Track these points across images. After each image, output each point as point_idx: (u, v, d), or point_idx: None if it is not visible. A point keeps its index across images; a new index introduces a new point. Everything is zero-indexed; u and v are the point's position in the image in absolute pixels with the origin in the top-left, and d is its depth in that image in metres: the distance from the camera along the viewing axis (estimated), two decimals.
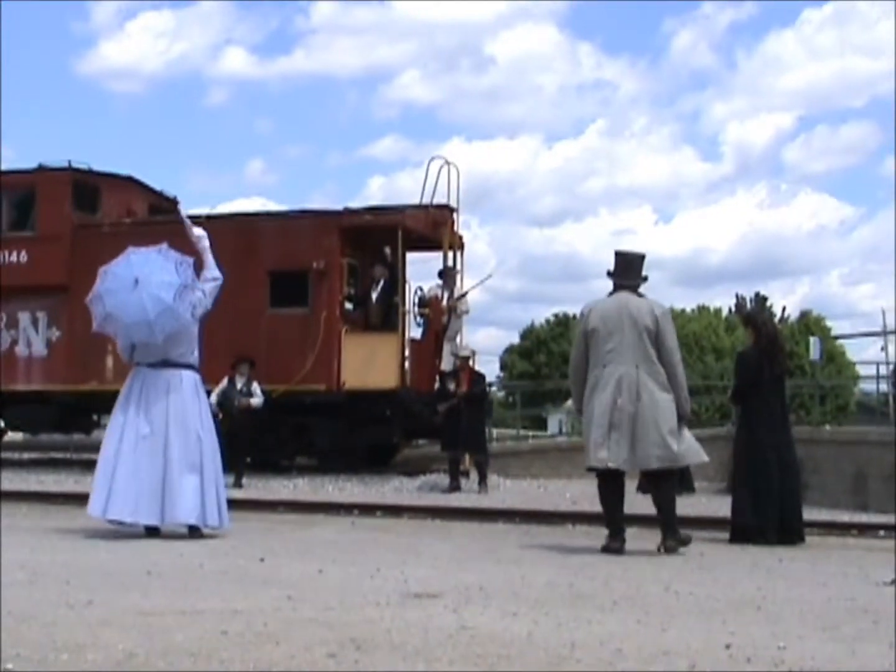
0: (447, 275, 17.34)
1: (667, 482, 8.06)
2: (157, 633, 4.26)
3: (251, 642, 4.13)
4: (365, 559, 6.92)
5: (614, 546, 7.81)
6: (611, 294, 8.12)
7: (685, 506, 8.68)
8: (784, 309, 76.25)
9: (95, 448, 22.26)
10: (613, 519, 7.96)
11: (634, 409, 7.72)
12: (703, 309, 73.22)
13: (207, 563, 6.50)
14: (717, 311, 75.45)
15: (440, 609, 4.96)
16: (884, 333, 29.40)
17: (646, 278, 8.25)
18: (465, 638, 4.28)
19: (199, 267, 8.65)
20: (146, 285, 8.25)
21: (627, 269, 8.16)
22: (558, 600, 5.32)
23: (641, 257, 8.34)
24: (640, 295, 8.12)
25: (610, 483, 7.96)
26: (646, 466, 7.93)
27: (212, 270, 8.68)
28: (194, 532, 8.29)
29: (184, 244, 9.14)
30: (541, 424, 58.23)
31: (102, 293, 8.49)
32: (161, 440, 8.26)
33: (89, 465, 18.20)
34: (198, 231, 8.84)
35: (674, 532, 7.91)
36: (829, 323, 70.89)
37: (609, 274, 8.21)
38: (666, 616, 4.90)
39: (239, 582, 5.78)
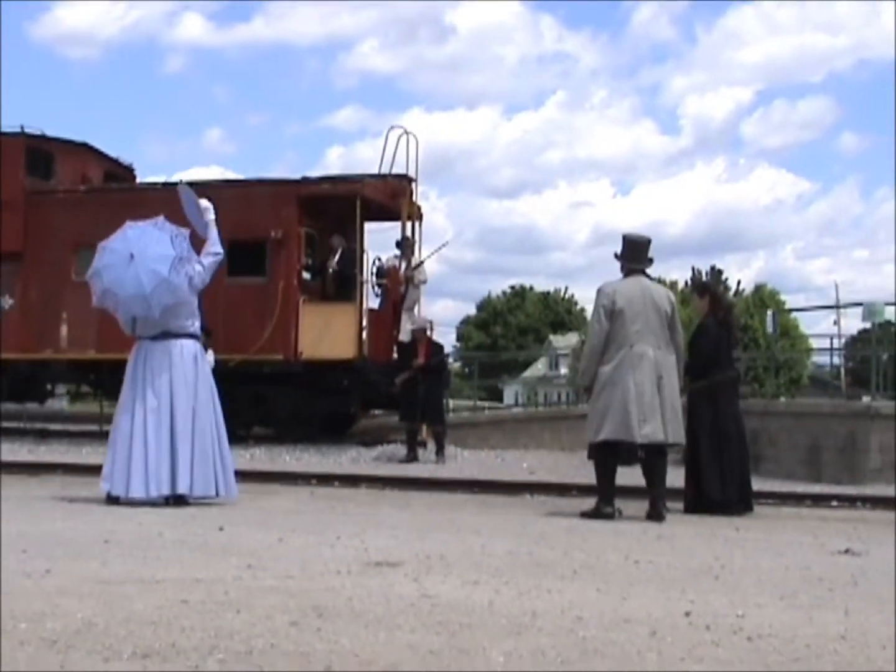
0: (405, 245, 17.30)
1: (664, 456, 8.49)
2: (117, 602, 4.23)
3: (212, 611, 4.11)
4: (324, 528, 6.91)
5: (608, 511, 8.21)
6: (625, 277, 8.46)
7: (639, 477, 8.75)
8: (739, 283, 76.93)
9: (48, 418, 22.19)
10: (610, 488, 8.32)
11: (662, 387, 8.19)
12: (659, 282, 73.62)
13: (166, 532, 6.47)
14: (674, 284, 75.94)
15: (401, 577, 4.97)
16: (836, 307, 29.68)
17: (652, 261, 8.59)
18: (426, 606, 4.29)
19: (195, 238, 8.60)
20: (142, 259, 8.28)
21: (639, 253, 8.53)
22: (519, 569, 5.34)
23: (648, 241, 8.66)
24: (651, 278, 8.58)
25: (612, 456, 8.32)
26: (677, 440, 8.42)
27: (214, 245, 8.65)
28: (180, 500, 8.31)
29: (143, 213, 9.07)
30: (497, 395, 58.48)
31: (101, 269, 8.53)
32: (167, 411, 8.34)
33: (43, 435, 18.16)
34: (205, 203, 8.77)
35: (664, 500, 8.35)
36: (783, 297, 71.60)
37: (617, 256, 8.56)
38: (626, 585, 4.93)
39: (198, 551, 5.76)
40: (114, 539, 6.11)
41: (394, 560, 5.47)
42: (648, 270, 8.60)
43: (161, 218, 8.67)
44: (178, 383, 8.39)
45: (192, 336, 8.59)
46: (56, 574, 4.88)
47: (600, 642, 3.74)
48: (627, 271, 8.46)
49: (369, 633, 3.79)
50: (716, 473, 8.91)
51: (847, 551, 6.24)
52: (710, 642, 3.77)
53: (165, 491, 8.26)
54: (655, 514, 8.16)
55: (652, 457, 8.37)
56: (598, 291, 8.41)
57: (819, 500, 10.11)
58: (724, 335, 9.22)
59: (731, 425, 9.07)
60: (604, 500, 8.26)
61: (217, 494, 8.43)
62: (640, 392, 8.11)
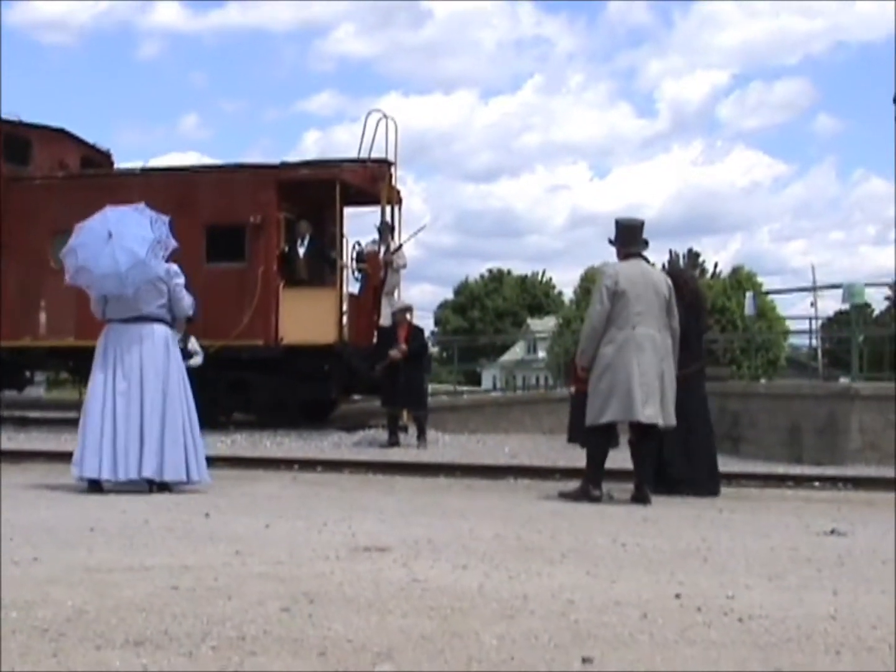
0: (384, 229, 17.25)
1: (655, 438, 8.49)
2: (107, 590, 4.22)
3: (203, 597, 4.11)
4: (310, 514, 6.90)
5: (597, 494, 8.22)
6: (624, 259, 8.45)
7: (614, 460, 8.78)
8: (716, 265, 77.14)
9: (27, 405, 22.02)
10: (599, 471, 8.33)
11: (661, 370, 8.23)
12: None
13: (152, 519, 6.45)
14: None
15: (390, 562, 4.97)
16: (815, 288, 29.76)
17: (647, 243, 8.62)
18: (416, 591, 4.29)
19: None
20: (119, 239, 8.25)
21: (634, 237, 8.53)
22: (507, 553, 5.35)
23: (642, 223, 8.69)
24: (648, 261, 8.62)
25: (607, 439, 8.36)
26: (671, 423, 8.37)
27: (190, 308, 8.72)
28: (152, 486, 8.28)
29: (121, 199, 9.03)
30: (475, 380, 58.55)
31: (76, 247, 8.47)
32: (137, 394, 8.29)
33: (22, 423, 18.06)
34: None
35: (650, 483, 8.42)
36: (760, 279, 71.77)
37: (611, 242, 8.56)
38: (615, 567, 4.94)
39: (185, 538, 5.74)
40: (99, 527, 6.08)
41: (382, 545, 5.47)
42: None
43: (142, 204, 8.67)
44: (149, 366, 8.33)
45: (162, 321, 8.53)
46: (43, 562, 4.87)
47: (592, 625, 3.75)
48: (625, 255, 8.46)
49: (361, 618, 3.79)
50: (680, 451, 8.94)
51: (832, 532, 6.27)
52: (702, 624, 3.79)
53: (133, 475, 8.19)
54: (642, 497, 8.17)
55: (644, 439, 8.37)
56: (601, 272, 8.45)
57: (801, 481, 10.15)
58: (693, 320, 9.26)
59: (700, 407, 9.13)
60: (593, 482, 8.25)
61: (188, 480, 8.36)
62: (644, 373, 8.13)
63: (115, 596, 4.10)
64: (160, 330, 8.48)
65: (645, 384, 8.12)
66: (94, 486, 8.25)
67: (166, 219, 8.52)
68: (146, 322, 8.43)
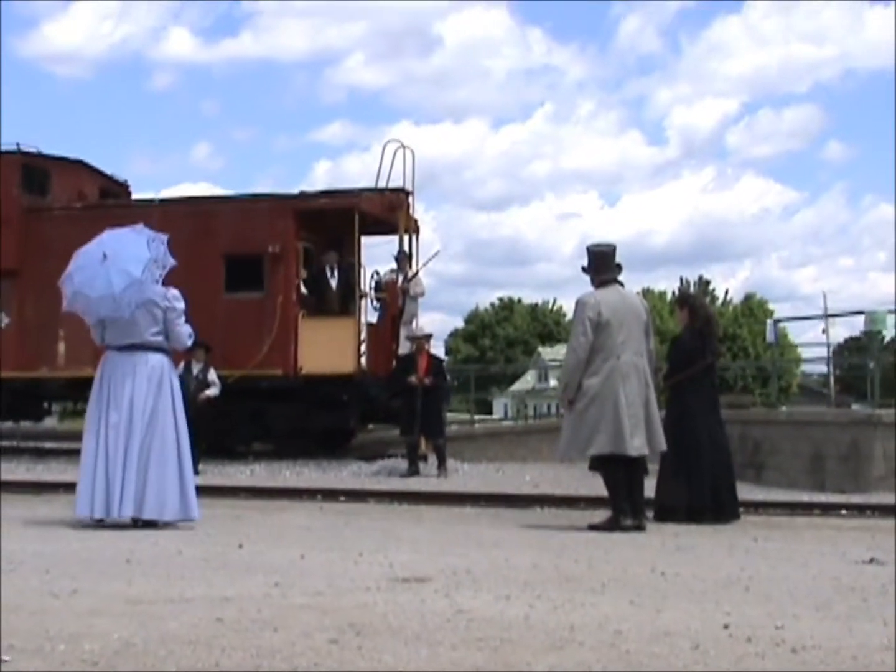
0: (402, 258, 17.26)
1: (644, 465, 8.43)
2: (150, 622, 4.19)
3: (248, 629, 4.08)
4: (343, 544, 6.87)
5: (627, 524, 8.08)
6: (599, 287, 8.41)
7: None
8: (727, 292, 77.18)
9: (45, 436, 21.97)
10: (629, 499, 8.20)
11: (646, 397, 8.24)
12: (647, 292, 73.81)
13: (186, 551, 6.41)
14: (662, 294, 76.08)
15: (431, 593, 4.93)
16: (825, 316, 29.68)
17: (621, 268, 8.59)
18: (462, 622, 4.25)
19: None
20: (115, 260, 8.00)
21: (609, 263, 8.52)
22: (548, 583, 5.30)
23: (614, 248, 8.66)
24: (622, 285, 8.58)
25: (616, 466, 8.21)
26: (661, 448, 8.39)
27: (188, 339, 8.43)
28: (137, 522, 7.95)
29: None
30: (486, 408, 58.42)
31: (73, 272, 8.22)
32: (126, 427, 7.98)
33: (40, 454, 18.04)
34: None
35: (644, 511, 8.36)
36: (771, 306, 71.85)
37: (584, 269, 8.51)
38: (658, 597, 4.90)
39: (222, 569, 5.70)
40: (134, 558, 6.04)
41: (421, 575, 5.43)
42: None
43: (140, 224, 8.45)
44: (139, 398, 7.99)
45: (160, 350, 8.19)
46: (83, 594, 4.83)
47: (644, 656, 3.71)
48: (600, 282, 8.42)
49: (410, 650, 3.76)
50: (681, 479, 8.84)
51: (872, 561, 6.21)
52: (755, 655, 3.75)
53: (115, 513, 7.84)
54: (637, 525, 8.13)
55: (633, 469, 8.29)
56: (580, 303, 8.32)
57: (829, 509, 10.07)
58: (701, 347, 9.20)
59: (703, 434, 9.01)
60: (621, 512, 8.18)
61: (178, 517, 7.98)
62: (631, 403, 8.11)
63: (160, 628, 4.07)
64: (155, 359, 8.12)
65: (632, 415, 8.11)
66: (134, 522, 7.99)
67: (164, 238, 8.23)
68: (142, 351, 8.08)
